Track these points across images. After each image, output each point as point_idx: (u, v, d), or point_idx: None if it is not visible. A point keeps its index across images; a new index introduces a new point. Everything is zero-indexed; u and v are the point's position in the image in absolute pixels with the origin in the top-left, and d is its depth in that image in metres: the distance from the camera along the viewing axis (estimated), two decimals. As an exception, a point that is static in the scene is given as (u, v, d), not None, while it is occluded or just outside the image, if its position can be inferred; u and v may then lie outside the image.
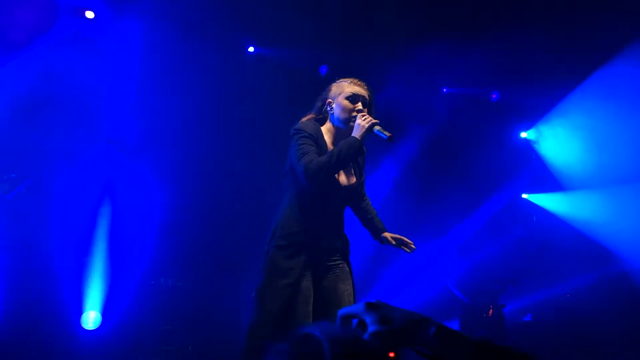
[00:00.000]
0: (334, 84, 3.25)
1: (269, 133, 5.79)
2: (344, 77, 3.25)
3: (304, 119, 3.26)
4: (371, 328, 1.02)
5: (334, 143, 3.18)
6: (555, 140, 7.32)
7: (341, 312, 1.08)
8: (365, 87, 3.20)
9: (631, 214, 6.41)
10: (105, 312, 5.22)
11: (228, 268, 5.86)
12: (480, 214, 7.14)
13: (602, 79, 6.45)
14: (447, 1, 5.99)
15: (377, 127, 2.97)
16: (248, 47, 6.40)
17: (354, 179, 3.21)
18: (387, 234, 3.42)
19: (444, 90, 7.31)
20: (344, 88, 3.17)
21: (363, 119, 3.01)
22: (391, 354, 1.00)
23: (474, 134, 7.20)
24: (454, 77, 7.07)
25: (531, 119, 7.49)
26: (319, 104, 3.27)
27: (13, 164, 4.95)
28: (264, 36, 6.34)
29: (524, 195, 7.60)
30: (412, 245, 3.38)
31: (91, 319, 5.16)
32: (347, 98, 3.12)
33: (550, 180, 7.38)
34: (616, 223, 6.58)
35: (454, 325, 6.55)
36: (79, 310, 5.16)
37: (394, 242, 3.39)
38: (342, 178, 3.17)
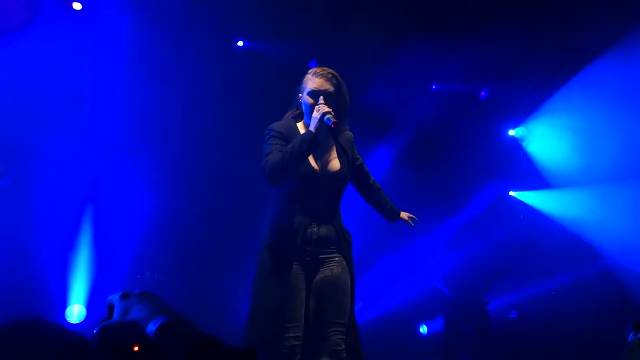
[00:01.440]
0: (306, 76, 3.24)
1: (258, 130, 5.76)
2: (315, 68, 3.24)
3: (287, 115, 3.29)
4: (113, 318, 1.01)
5: None
6: (543, 138, 7.35)
7: (108, 299, 1.06)
8: (328, 78, 3.15)
9: (617, 212, 6.46)
10: (90, 306, 5.19)
11: (214, 264, 5.85)
12: (467, 211, 7.16)
13: (589, 77, 6.49)
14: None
15: (327, 116, 3.00)
16: (237, 42, 6.36)
17: (337, 166, 3.20)
18: (403, 215, 3.56)
19: (433, 87, 7.32)
20: (307, 83, 3.18)
21: (317, 110, 3.04)
22: (136, 348, 0.96)
23: (462, 132, 7.22)
24: (443, 74, 7.08)
25: (519, 117, 7.52)
26: (297, 97, 3.29)
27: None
28: (253, 30, 6.32)
29: (511, 193, 7.63)
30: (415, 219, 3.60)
31: (75, 312, 5.13)
32: (308, 94, 3.14)
33: (537, 178, 7.41)
34: (602, 221, 6.62)
35: (439, 321, 6.58)
36: (63, 304, 5.12)
37: (412, 225, 3.58)
38: (321, 167, 3.16)
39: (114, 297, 1.04)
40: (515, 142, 7.61)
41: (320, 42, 6.34)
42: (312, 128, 3.03)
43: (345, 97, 3.22)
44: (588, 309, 6.37)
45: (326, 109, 3.03)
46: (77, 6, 5.49)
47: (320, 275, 3.15)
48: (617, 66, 6.17)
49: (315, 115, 3.03)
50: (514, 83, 7.00)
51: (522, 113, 7.44)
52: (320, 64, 6.51)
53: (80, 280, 5.21)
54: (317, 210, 3.15)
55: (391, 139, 6.91)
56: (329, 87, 3.13)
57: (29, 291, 4.97)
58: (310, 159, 3.13)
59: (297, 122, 3.26)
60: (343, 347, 3.08)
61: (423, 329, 6.86)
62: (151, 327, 0.96)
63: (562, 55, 6.39)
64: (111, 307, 1.04)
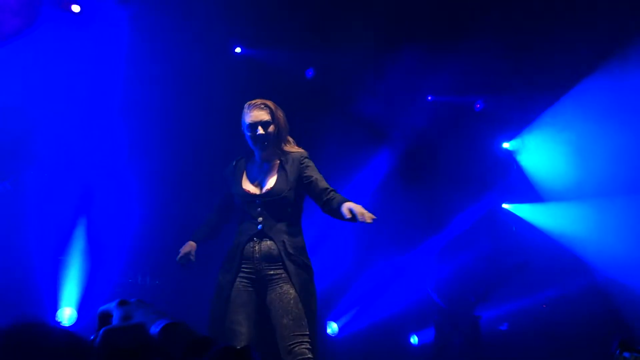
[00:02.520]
0: (243, 111, 3.46)
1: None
2: (249, 101, 3.43)
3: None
4: (113, 323, 1.04)
5: (261, 162, 3.46)
6: (537, 151, 7.39)
7: (99, 309, 1.09)
8: (261, 108, 3.35)
9: (609, 226, 6.50)
10: (81, 309, 5.17)
11: (207, 267, 5.83)
12: (460, 223, 7.18)
13: (583, 92, 6.54)
14: (435, 11, 6.05)
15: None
16: (235, 48, 6.38)
17: (272, 185, 3.35)
18: (345, 206, 3.10)
19: (429, 98, 7.35)
20: (244, 117, 3.40)
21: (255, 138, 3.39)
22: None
23: (456, 143, 7.25)
24: (439, 86, 7.11)
25: (513, 130, 7.56)
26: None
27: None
28: (252, 37, 6.34)
29: (504, 206, 7.67)
30: (366, 219, 3.01)
31: (66, 315, 5.10)
32: (246, 128, 3.37)
33: (530, 192, 7.45)
34: (594, 235, 6.66)
35: (430, 331, 6.58)
36: (54, 307, 5.10)
37: (349, 215, 3.05)
38: (256, 187, 3.39)
39: (110, 306, 1.07)
40: (509, 155, 7.65)
41: (317, 52, 6.37)
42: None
43: (282, 122, 3.39)
44: (578, 322, 6.40)
45: (261, 131, 3.37)
46: (75, 9, 5.50)
47: (270, 294, 3.27)
48: (611, 81, 6.22)
49: (253, 138, 3.41)
50: (509, 96, 7.05)
51: (517, 126, 7.49)
52: (317, 73, 6.59)
53: (72, 283, 5.19)
54: (255, 229, 3.32)
55: (385, 149, 6.94)
56: (264, 116, 3.31)
57: (20, 293, 4.95)
58: (245, 182, 3.39)
59: (250, 154, 3.53)
60: (310, 355, 3.15)
61: (414, 340, 6.86)
62: (155, 329, 1.00)
63: (556, 69, 6.44)
64: (104, 316, 1.07)
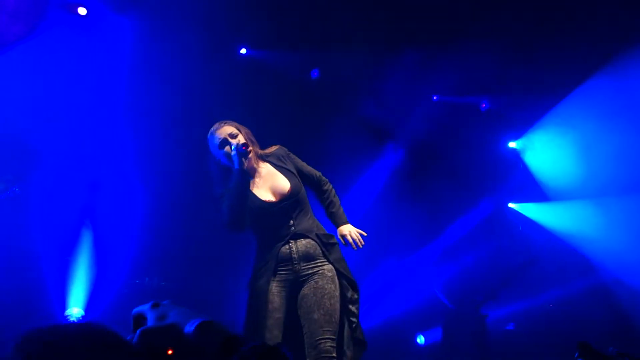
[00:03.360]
0: (208, 141, 3.43)
1: (258, 137, 5.80)
2: (209, 130, 3.41)
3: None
4: (148, 324, 1.07)
5: (255, 175, 3.40)
6: (543, 150, 7.38)
7: (133, 311, 1.13)
8: (226, 124, 3.38)
9: (615, 225, 6.48)
10: (89, 308, 5.20)
11: (214, 268, 5.86)
12: (467, 222, 7.18)
13: (589, 91, 6.53)
14: (440, 11, 6.04)
15: (234, 146, 3.24)
16: (240, 49, 6.40)
17: (286, 188, 3.33)
18: (341, 231, 3.47)
19: (434, 98, 7.35)
20: (213, 142, 3.36)
21: (226, 153, 3.28)
22: (170, 352, 1.03)
23: (462, 143, 7.25)
24: (444, 85, 7.11)
25: (520, 130, 7.55)
26: (215, 165, 3.45)
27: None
28: (257, 39, 6.36)
29: (511, 205, 7.66)
30: (359, 245, 3.44)
31: (74, 315, 5.13)
32: (219, 146, 3.32)
33: (536, 191, 7.44)
34: (600, 234, 6.64)
35: (437, 331, 6.58)
36: (62, 307, 5.14)
37: (344, 242, 3.44)
38: (272, 194, 3.34)
39: (144, 308, 1.11)
40: (515, 154, 7.64)
41: (321, 54, 6.39)
42: (235, 168, 3.23)
43: (246, 130, 3.42)
44: (585, 322, 6.37)
45: (234, 142, 3.25)
46: (82, 11, 5.54)
47: (304, 290, 3.26)
48: (616, 80, 6.21)
49: (228, 157, 3.27)
50: (515, 95, 7.04)
51: (522, 125, 7.48)
52: (321, 74, 6.61)
53: (80, 284, 5.22)
54: (289, 231, 3.29)
55: (391, 149, 6.94)
56: (231, 129, 3.34)
57: (29, 294, 4.98)
58: (258, 192, 3.32)
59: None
60: (333, 354, 3.13)
61: (420, 339, 6.86)
62: (189, 327, 1.04)
63: (562, 69, 6.43)
64: (139, 317, 1.11)
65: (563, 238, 7.07)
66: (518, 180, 7.57)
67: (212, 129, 3.39)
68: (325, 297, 3.22)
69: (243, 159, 3.23)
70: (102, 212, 5.56)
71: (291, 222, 3.31)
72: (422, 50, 6.22)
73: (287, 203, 3.31)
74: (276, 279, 3.26)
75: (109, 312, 5.22)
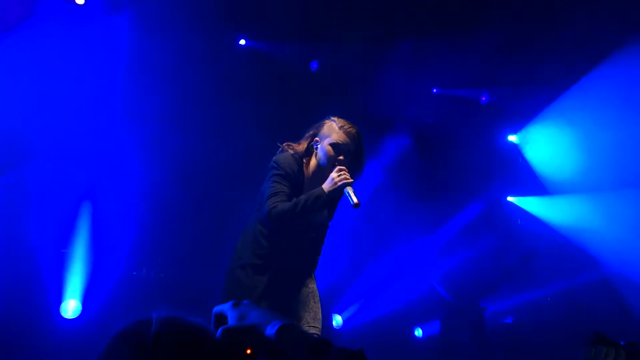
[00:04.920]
0: (327, 121, 3.25)
1: (256, 127, 5.77)
2: (339, 119, 3.23)
3: (292, 148, 3.29)
4: (229, 324, 1.11)
5: (313, 176, 3.25)
6: (542, 144, 7.36)
7: (214, 309, 1.16)
8: (354, 137, 3.19)
9: (615, 219, 6.47)
10: (86, 301, 5.18)
11: (211, 260, 5.84)
12: (466, 216, 7.17)
13: (589, 85, 6.50)
14: (441, 3, 6.01)
15: (347, 189, 3.00)
16: (239, 40, 6.36)
17: (324, 217, 3.30)
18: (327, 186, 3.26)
19: (434, 90, 7.32)
20: (333, 133, 3.18)
21: (338, 175, 3.03)
22: (248, 351, 1.08)
23: (462, 136, 7.23)
24: (445, 78, 7.09)
25: (519, 123, 7.53)
26: (309, 133, 3.30)
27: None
28: (255, 29, 6.32)
29: (509, 198, 7.65)
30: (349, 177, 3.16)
31: (71, 307, 5.11)
32: (332, 145, 3.15)
33: (535, 184, 7.43)
34: (599, 228, 6.63)
35: (435, 324, 6.58)
36: (58, 299, 5.11)
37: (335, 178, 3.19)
38: (310, 218, 3.23)
39: (225, 307, 1.14)
40: (515, 148, 7.63)
41: (321, 43, 6.35)
42: (326, 188, 3.05)
43: (362, 160, 3.26)
44: (583, 315, 6.38)
45: (349, 179, 3.03)
46: (79, 1, 5.48)
47: (292, 287, 3.28)
48: (617, 74, 6.19)
49: (336, 179, 3.02)
50: (515, 89, 7.01)
51: (522, 119, 7.46)
52: (321, 65, 6.57)
53: (76, 276, 5.19)
54: (295, 252, 3.26)
55: (390, 142, 6.91)
56: (352, 146, 3.17)
57: (25, 286, 4.96)
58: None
59: (304, 158, 3.28)
60: None
61: (418, 332, 6.85)
62: (270, 330, 1.07)
63: (562, 62, 6.40)
64: (219, 316, 1.14)
65: (562, 232, 7.07)
66: (517, 173, 7.55)
67: (343, 124, 3.19)
68: (310, 295, 3.27)
69: (336, 190, 3.04)
70: (99, 203, 5.52)
71: (305, 246, 3.31)
72: (422, 42, 6.18)
73: (317, 234, 3.33)
74: (273, 275, 3.25)
75: (106, 304, 5.20)
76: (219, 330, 1.08)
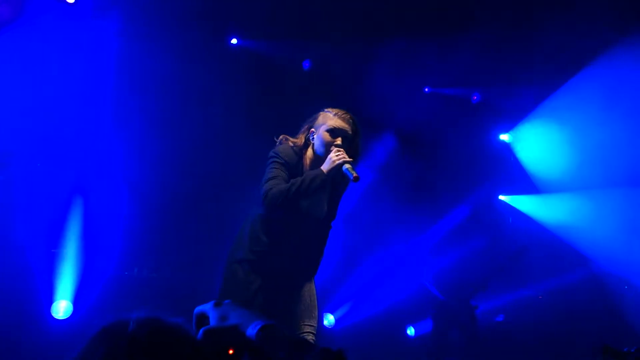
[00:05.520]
0: (321, 113, 3.28)
1: (249, 126, 5.77)
2: (332, 108, 3.26)
3: (290, 141, 3.29)
4: (211, 324, 1.12)
5: (311, 167, 3.24)
6: (534, 143, 7.39)
7: (196, 310, 1.16)
8: (350, 122, 3.22)
9: (605, 218, 6.51)
10: (77, 301, 5.15)
11: (203, 259, 5.83)
12: (457, 214, 7.19)
13: (581, 83, 6.53)
14: (431, 2, 6.02)
15: (346, 165, 3.01)
16: (231, 39, 6.35)
17: (324, 211, 3.28)
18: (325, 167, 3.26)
19: (426, 89, 7.34)
20: (328, 120, 3.20)
21: (336, 154, 3.04)
22: (230, 351, 1.08)
23: (453, 135, 7.25)
24: (436, 77, 7.10)
25: (511, 122, 7.56)
26: (305, 127, 3.32)
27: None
28: (247, 28, 6.31)
29: (501, 197, 7.67)
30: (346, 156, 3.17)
31: (62, 308, 5.08)
32: (328, 131, 3.16)
33: (527, 183, 7.46)
34: (590, 226, 6.67)
35: (427, 323, 6.59)
36: (49, 300, 5.08)
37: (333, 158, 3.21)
38: (310, 209, 3.22)
39: (206, 307, 1.15)
40: (506, 147, 7.65)
41: (311, 42, 6.35)
42: (324, 168, 3.05)
43: (359, 145, 3.28)
44: (574, 313, 6.41)
45: (347, 157, 3.04)
46: (70, -1, 5.44)
47: (287, 284, 3.27)
48: (609, 73, 6.22)
49: (333, 158, 3.03)
50: (506, 88, 7.04)
51: (514, 118, 7.49)
52: (312, 64, 6.57)
53: (67, 276, 5.16)
54: (295, 245, 3.24)
55: (382, 141, 6.92)
56: (348, 130, 3.19)
57: (15, 286, 4.92)
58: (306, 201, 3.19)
59: (302, 151, 3.28)
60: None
61: (410, 331, 6.87)
62: (252, 330, 1.08)
63: (554, 61, 6.43)
64: (201, 317, 1.15)
65: (553, 230, 7.10)
66: (509, 172, 7.58)
67: (337, 111, 3.22)
68: (312, 296, 3.29)
69: (335, 168, 3.03)
70: (90, 202, 5.49)
71: (306, 240, 3.29)
72: (413, 41, 6.19)
73: (313, 224, 3.28)
74: (270, 271, 3.24)
75: (97, 304, 5.18)
76: (201, 330, 1.08)
